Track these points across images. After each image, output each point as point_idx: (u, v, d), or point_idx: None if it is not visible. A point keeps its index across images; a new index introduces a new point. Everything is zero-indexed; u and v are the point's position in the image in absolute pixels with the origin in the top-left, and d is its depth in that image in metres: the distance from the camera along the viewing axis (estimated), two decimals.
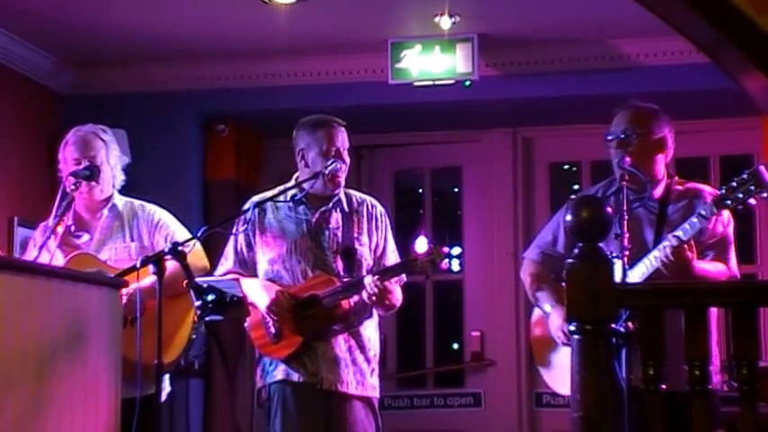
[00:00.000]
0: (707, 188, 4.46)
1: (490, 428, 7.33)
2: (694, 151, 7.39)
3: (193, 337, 4.72)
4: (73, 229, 4.80)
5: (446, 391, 7.51)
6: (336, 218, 4.72)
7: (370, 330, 4.75)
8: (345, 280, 4.62)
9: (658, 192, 4.42)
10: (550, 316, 4.52)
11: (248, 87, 7.11)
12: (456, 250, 7.71)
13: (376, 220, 4.78)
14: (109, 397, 3.94)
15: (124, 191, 6.64)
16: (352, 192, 4.83)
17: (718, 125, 7.19)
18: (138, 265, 4.20)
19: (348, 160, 4.73)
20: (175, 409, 6.24)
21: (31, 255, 4.69)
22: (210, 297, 4.20)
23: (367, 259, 4.71)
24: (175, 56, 6.94)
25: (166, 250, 4.23)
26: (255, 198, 4.78)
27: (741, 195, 4.07)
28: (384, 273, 4.58)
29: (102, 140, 4.87)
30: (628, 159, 4.28)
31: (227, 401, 7.19)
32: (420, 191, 7.84)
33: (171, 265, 4.24)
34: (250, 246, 4.78)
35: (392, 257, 4.79)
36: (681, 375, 2.97)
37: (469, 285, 7.55)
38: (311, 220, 4.71)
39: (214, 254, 7.16)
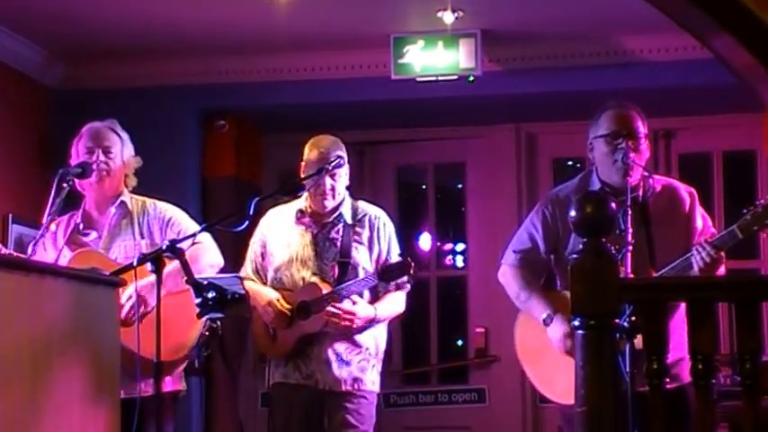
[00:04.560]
0: (680, 185, 4.51)
1: (494, 424, 7.33)
2: (697, 147, 7.39)
3: (206, 333, 4.64)
4: (81, 226, 4.76)
5: (450, 388, 7.52)
6: (338, 228, 4.89)
7: (371, 331, 4.89)
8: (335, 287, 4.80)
9: (639, 190, 4.38)
10: (552, 325, 4.40)
11: (249, 83, 7.07)
12: (460, 246, 7.70)
13: (378, 230, 4.92)
14: (107, 397, 3.90)
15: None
16: (358, 203, 5.00)
17: (721, 121, 7.19)
18: (134, 263, 4.17)
19: (332, 180, 4.83)
20: (177, 408, 6.21)
21: (39, 254, 4.63)
22: (210, 294, 4.20)
23: (365, 267, 4.85)
24: (173, 50, 6.88)
25: (164, 248, 4.21)
26: (273, 210, 5.02)
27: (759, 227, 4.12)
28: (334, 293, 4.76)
29: (119, 135, 4.85)
30: (632, 155, 4.27)
31: (228, 400, 7.17)
32: (423, 187, 7.83)
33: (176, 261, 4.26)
34: (263, 255, 5.00)
35: None
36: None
37: (473, 281, 7.54)
38: (314, 231, 4.90)
39: None
